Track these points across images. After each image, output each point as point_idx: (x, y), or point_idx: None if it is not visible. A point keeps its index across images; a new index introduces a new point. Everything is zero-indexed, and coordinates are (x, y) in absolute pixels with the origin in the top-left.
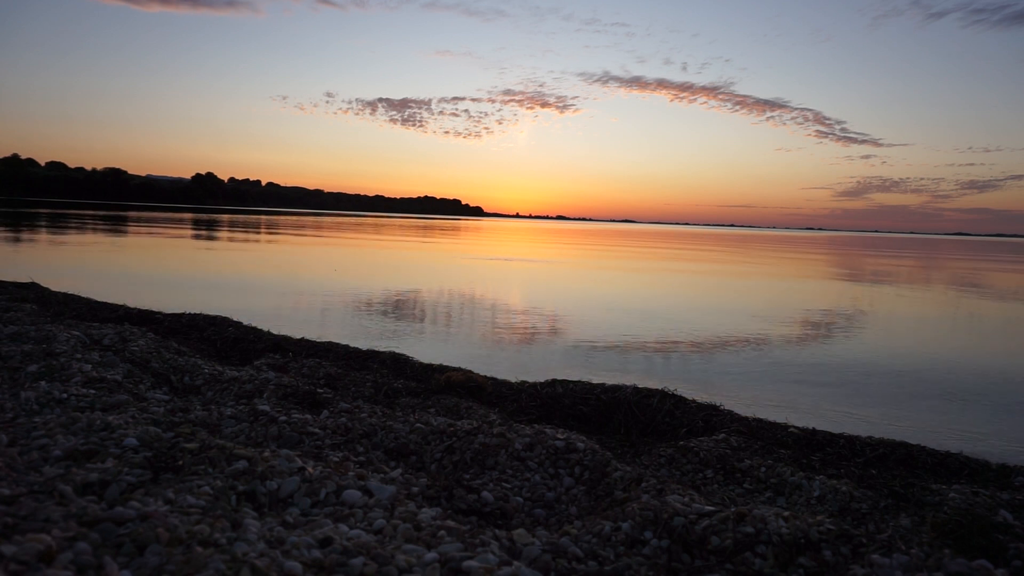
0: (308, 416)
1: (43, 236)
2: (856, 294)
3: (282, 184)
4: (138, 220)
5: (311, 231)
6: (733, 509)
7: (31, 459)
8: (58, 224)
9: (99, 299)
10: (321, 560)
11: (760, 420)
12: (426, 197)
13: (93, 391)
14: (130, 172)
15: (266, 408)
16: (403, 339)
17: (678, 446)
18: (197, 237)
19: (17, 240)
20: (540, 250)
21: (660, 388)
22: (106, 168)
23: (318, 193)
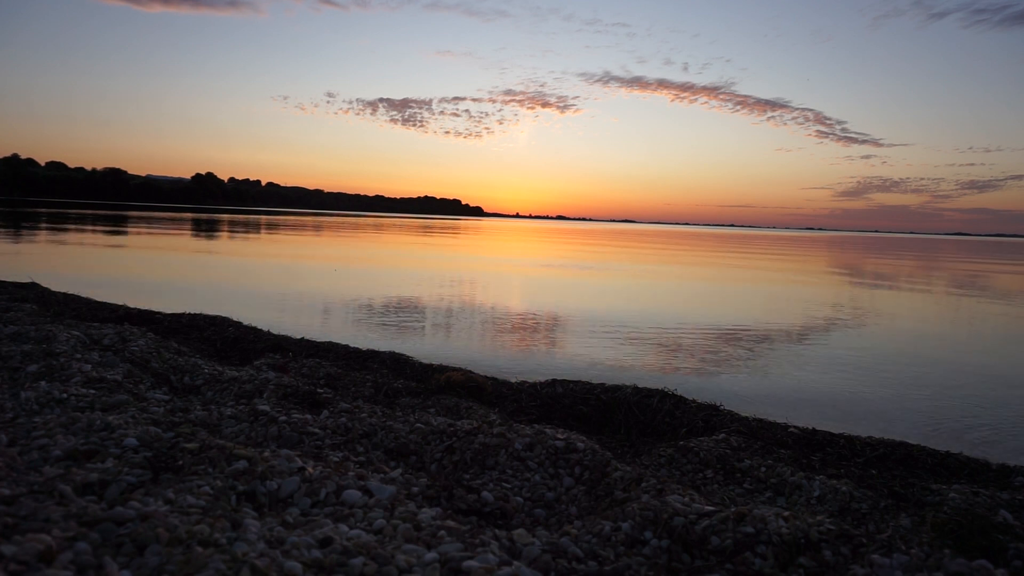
0: (308, 416)
1: (43, 236)
2: (856, 294)
3: (282, 184)
4: (138, 220)
5: (311, 232)
6: (733, 509)
7: (31, 459)
8: (58, 224)
9: (99, 299)
10: (321, 560)
11: (760, 420)
12: (426, 197)
13: (93, 391)
14: (131, 172)
15: (266, 408)
16: (403, 339)
17: (678, 446)
18: (197, 237)
19: (17, 240)
20: (549, 252)
21: (660, 388)
22: (106, 168)
23: (318, 193)
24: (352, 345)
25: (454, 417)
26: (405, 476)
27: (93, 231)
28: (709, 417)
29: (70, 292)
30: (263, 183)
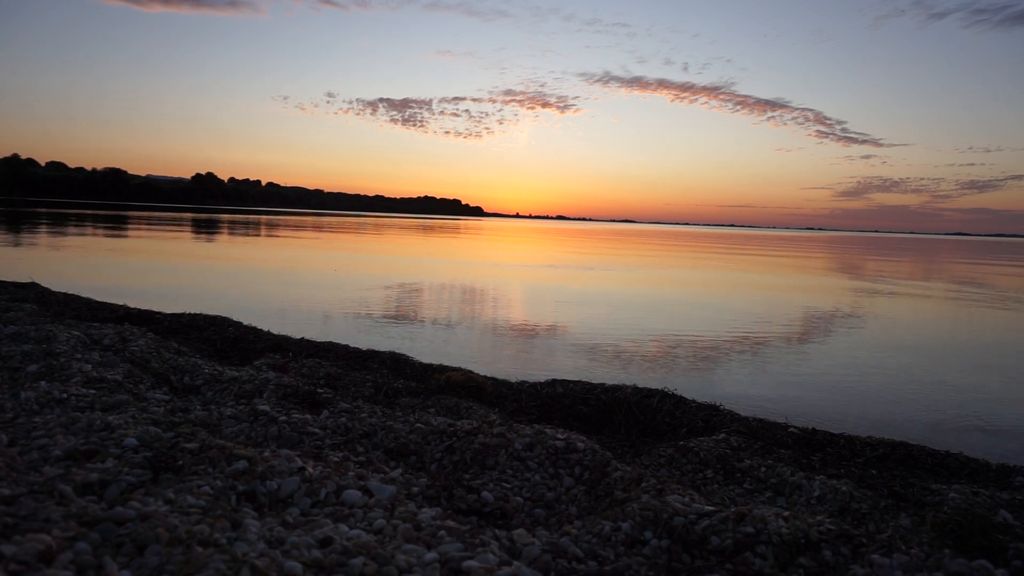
0: (308, 416)
1: (43, 236)
2: (856, 295)
3: (282, 184)
4: (138, 220)
5: (311, 232)
6: (733, 509)
7: (31, 459)
8: (58, 224)
9: (99, 299)
10: (321, 560)
11: (760, 420)
12: (426, 197)
13: (93, 391)
14: (131, 172)
15: (266, 408)
16: (403, 339)
17: (678, 446)
18: (197, 238)
19: (17, 240)
20: (549, 253)
21: (660, 388)
22: (106, 168)
23: (318, 193)
24: (352, 345)
25: (454, 417)
26: (405, 476)
27: (93, 231)
28: (709, 417)
29: (70, 292)
30: (263, 183)
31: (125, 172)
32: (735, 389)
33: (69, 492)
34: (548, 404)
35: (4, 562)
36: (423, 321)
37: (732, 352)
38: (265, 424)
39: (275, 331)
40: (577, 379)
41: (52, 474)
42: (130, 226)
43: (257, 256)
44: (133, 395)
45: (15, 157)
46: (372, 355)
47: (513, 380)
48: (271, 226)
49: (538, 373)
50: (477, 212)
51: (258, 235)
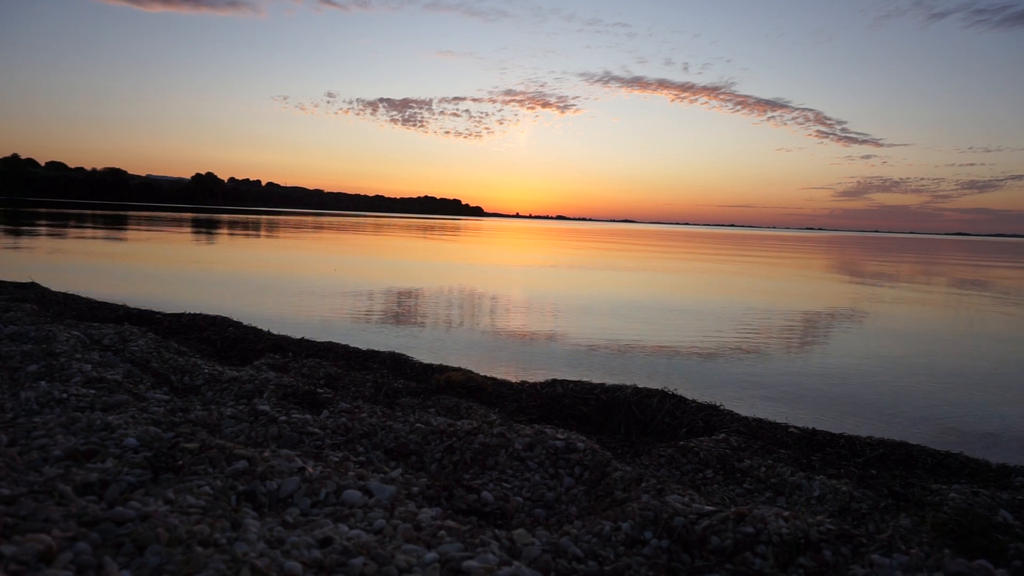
0: (308, 416)
1: (43, 236)
2: (856, 295)
3: (282, 184)
4: (137, 220)
5: (311, 232)
6: (733, 509)
7: (31, 459)
8: (58, 224)
9: (99, 299)
10: (321, 560)
11: (760, 420)
12: (426, 197)
13: (93, 391)
14: (131, 172)
15: (266, 408)
16: (403, 339)
17: (678, 446)
18: (196, 238)
19: (17, 240)
20: (549, 253)
21: (660, 388)
22: (106, 168)
23: (318, 193)
24: (352, 345)
25: (454, 417)
26: (405, 476)
27: (93, 231)
28: (709, 417)
29: (70, 292)
30: (263, 183)
31: (125, 172)
32: (735, 389)
33: (69, 492)
34: (548, 404)
35: (4, 562)
36: (423, 321)
37: (732, 352)
38: (265, 424)
39: (275, 331)
40: (577, 379)
41: (52, 474)
42: (130, 226)
43: (257, 257)
44: (133, 395)
45: (15, 157)
46: (372, 355)
47: (513, 380)
48: (271, 226)
49: (538, 373)
50: (477, 212)
51: (258, 235)
